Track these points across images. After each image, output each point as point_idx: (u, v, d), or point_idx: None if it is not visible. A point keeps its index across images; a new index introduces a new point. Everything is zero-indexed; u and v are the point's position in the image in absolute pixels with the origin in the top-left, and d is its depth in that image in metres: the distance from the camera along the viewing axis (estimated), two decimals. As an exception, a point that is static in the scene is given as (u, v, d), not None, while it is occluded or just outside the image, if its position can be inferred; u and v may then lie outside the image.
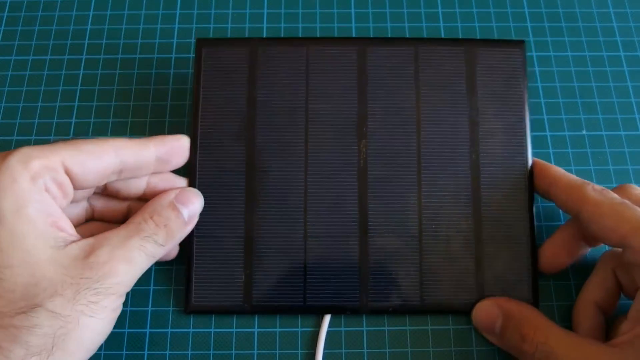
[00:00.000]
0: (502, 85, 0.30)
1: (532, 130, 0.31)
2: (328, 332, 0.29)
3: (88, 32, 0.36)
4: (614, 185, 0.32)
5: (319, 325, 0.29)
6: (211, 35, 0.35)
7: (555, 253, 0.28)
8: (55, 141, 0.32)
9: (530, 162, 0.30)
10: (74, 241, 0.23)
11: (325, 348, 0.28)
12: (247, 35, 0.35)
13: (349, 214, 0.29)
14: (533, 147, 0.33)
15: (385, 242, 0.29)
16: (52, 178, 0.23)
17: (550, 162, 0.32)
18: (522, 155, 0.30)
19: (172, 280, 0.30)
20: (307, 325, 0.29)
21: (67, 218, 0.24)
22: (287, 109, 0.30)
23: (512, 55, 0.31)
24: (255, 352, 0.28)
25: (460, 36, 0.36)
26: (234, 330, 0.29)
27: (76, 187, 0.25)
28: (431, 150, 0.30)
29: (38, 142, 0.32)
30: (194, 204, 0.27)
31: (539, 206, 0.31)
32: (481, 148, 0.30)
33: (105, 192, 0.28)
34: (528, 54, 0.35)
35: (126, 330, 0.29)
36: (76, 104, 0.34)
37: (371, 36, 0.36)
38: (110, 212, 0.28)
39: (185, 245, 0.29)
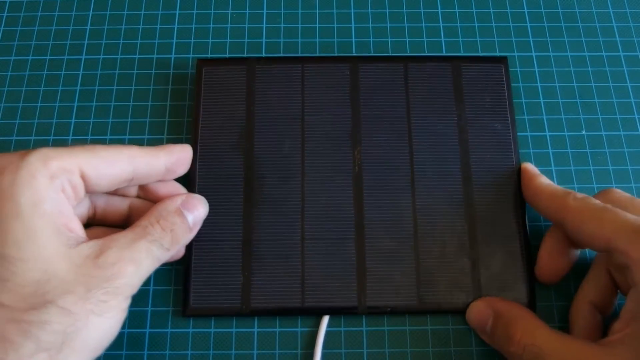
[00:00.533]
0: (488, 97, 0.32)
1: (519, 140, 0.33)
2: (328, 332, 0.29)
3: (88, 32, 0.36)
4: (614, 185, 0.32)
5: (318, 326, 0.29)
6: (211, 36, 0.35)
7: (551, 261, 0.28)
8: (73, 144, 0.32)
9: (519, 164, 0.31)
10: (84, 241, 0.24)
11: (325, 348, 0.29)
12: (246, 36, 0.36)
13: (345, 217, 0.30)
14: (533, 147, 0.33)
15: (381, 244, 0.29)
16: (68, 179, 0.24)
17: (550, 163, 0.32)
18: (510, 159, 0.31)
19: (172, 281, 0.30)
20: (306, 325, 0.29)
21: (78, 220, 0.24)
22: (283, 120, 0.31)
23: (496, 70, 0.33)
24: (255, 352, 0.28)
25: (460, 36, 0.36)
26: (234, 330, 0.29)
27: (88, 191, 0.25)
28: (423, 155, 0.31)
29: (38, 142, 0.33)
30: (199, 210, 0.28)
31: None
32: (471, 153, 0.31)
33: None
34: (528, 54, 0.35)
35: (126, 330, 0.29)
36: (76, 104, 0.34)
37: (366, 37, 0.36)
38: (112, 210, 0.28)
39: (184, 248, 0.29)
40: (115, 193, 0.28)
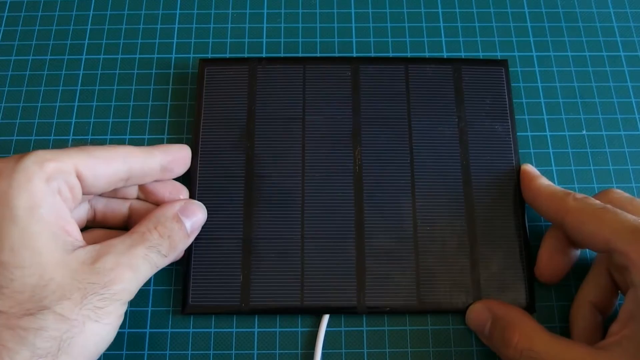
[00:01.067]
0: (488, 100, 0.32)
1: (519, 140, 0.33)
2: (328, 332, 0.29)
3: (88, 32, 0.36)
4: (614, 185, 0.32)
5: (318, 325, 0.29)
6: (211, 36, 0.35)
7: (551, 261, 0.28)
8: (73, 143, 0.32)
9: (519, 165, 0.31)
10: (81, 246, 0.23)
11: (325, 348, 0.29)
12: (247, 36, 0.36)
13: (345, 216, 0.30)
14: (533, 147, 0.33)
15: (381, 243, 0.29)
16: (64, 181, 0.23)
17: (550, 162, 0.32)
18: (510, 161, 0.31)
19: (172, 281, 0.30)
20: (307, 325, 0.29)
21: (75, 223, 0.24)
22: (284, 119, 0.32)
23: (497, 73, 0.33)
24: (255, 352, 0.28)
25: (461, 36, 0.36)
26: (234, 330, 0.29)
27: (85, 192, 0.25)
28: (423, 156, 0.31)
29: (38, 142, 0.33)
30: (197, 216, 0.28)
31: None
32: (471, 154, 0.31)
33: (105, 193, 0.28)
34: (528, 54, 0.35)
35: (126, 330, 0.29)
36: (76, 104, 0.34)
37: (365, 39, 0.36)
38: (111, 213, 0.28)
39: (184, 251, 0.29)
40: (114, 195, 0.28)
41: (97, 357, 0.23)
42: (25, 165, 0.22)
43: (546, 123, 0.34)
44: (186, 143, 0.32)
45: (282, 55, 0.35)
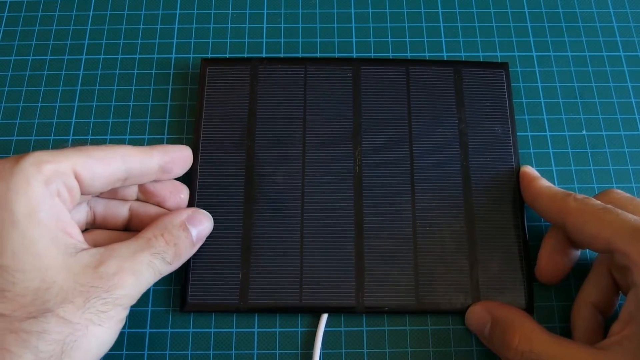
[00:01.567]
0: (488, 102, 0.32)
1: (518, 142, 0.33)
2: (328, 332, 0.29)
3: (88, 32, 0.36)
4: (614, 185, 0.32)
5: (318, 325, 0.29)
6: (211, 36, 0.35)
7: (551, 262, 0.28)
8: (73, 144, 0.32)
9: (519, 167, 0.31)
10: (84, 249, 0.23)
11: (324, 348, 0.29)
12: (247, 36, 0.36)
13: (344, 216, 0.30)
14: (533, 147, 0.33)
15: (380, 243, 0.29)
16: (63, 183, 0.23)
17: (550, 162, 0.32)
18: (510, 162, 0.31)
19: (172, 280, 0.30)
20: (306, 325, 0.29)
21: (76, 225, 0.24)
22: (285, 119, 0.32)
23: (497, 75, 0.33)
24: (255, 352, 0.28)
25: (461, 36, 0.36)
26: (234, 330, 0.29)
27: (83, 192, 0.25)
28: (423, 157, 0.31)
29: (38, 142, 0.33)
30: (204, 225, 0.28)
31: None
32: (471, 155, 0.31)
33: (103, 193, 0.28)
34: (528, 54, 0.35)
35: (126, 330, 0.29)
36: (76, 104, 0.34)
37: (366, 39, 0.36)
38: (111, 215, 0.28)
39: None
40: (114, 196, 0.28)
41: None
42: (23, 167, 0.22)
43: (546, 123, 0.34)
44: (186, 143, 0.32)
45: (282, 55, 0.35)
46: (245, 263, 0.29)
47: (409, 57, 0.35)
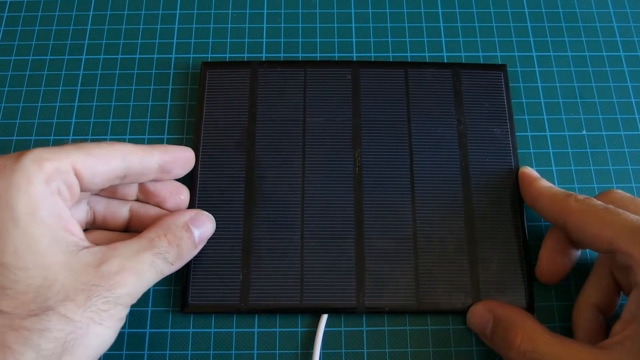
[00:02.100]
0: (487, 103, 0.32)
1: (518, 142, 0.33)
2: (328, 332, 0.29)
3: (88, 32, 0.36)
4: (614, 185, 0.32)
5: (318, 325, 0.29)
6: (211, 36, 0.35)
7: (552, 262, 0.28)
8: (72, 141, 0.32)
9: (518, 168, 0.31)
10: (85, 247, 0.23)
11: (324, 348, 0.29)
12: (247, 36, 0.36)
13: (344, 217, 0.30)
14: (533, 147, 0.33)
15: (380, 244, 0.29)
16: (63, 180, 0.23)
17: (550, 162, 0.32)
18: (510, 163, 0.31)
19: (172, 281, 0.30)
20: (306, 325, 0.29)
21: (77, 222, 0.24)
22: (285, 122, 0.32)
23: (496, 77, 0.33)
24: (255, 352, 0.28)
25: (461, 36, 0.36)
26: (234, 330, 0.29)
27: (82, 189, 0.25)
28: (422, 157, 0.31)
29: (38, 142, 0.33)
30: (206, 227, 0.28)
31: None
32: (470, 156, 0.31)
33: (103, 192, 0.28)
34: (528, 54, 0.35)
35: (126, 330, 0.29)
36: (76, 104, 0.34)
37: (365, 40, 0.36)
38: (111, 215, 0.28)
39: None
40: (113, 195, 0.28)
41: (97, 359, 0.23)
42: (24, 164, 0.22)
43: (546, 123, 0.34)
44: (186, 143, 0.32)
45: (282, 57, 0.35)
46: (246, 264, 0.29)
47: (408, 57, 0.35)
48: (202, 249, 0.29)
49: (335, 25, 0.36)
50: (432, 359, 0.28)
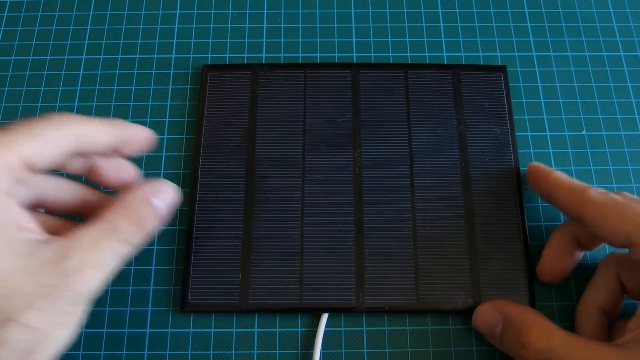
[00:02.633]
0: (487, 104, 0.33)
1: (518, 142, 0.33)
2: (328, 332, 0.29)
3: (88, 32, 0.36)
4: (614, 185, 0.32)
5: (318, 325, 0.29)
6: (211, 36, 0.35)
7: (555, 261, 0.28)
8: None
9: (518, 167, 0.31)
10: (44, 242, 0.22)
11: (324, 348, 0.29)
12: (247, 36, 0.36)
13: (344, 216, 0.30)
14: (533, 147, 0.33)
15: (380, 243, 0.29)
16: (11, 176, 0.22)
17: (550, 162, 0.32)
18: (510, 162, 0.31)
19: (172, 281, 0.30)
20: (306, 325, 0.29)
21: (28, 214, 0.22)
22: (285, 122, 0.32)
23: (495, 78, 0.33)
24: (255, 352, 0.28)
25: (461, 36, 0.36)
26: (234, 330, 0.29)
27: (30, 171, 0.23)
28: (422, 157, 0.31)
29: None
30: (169, 196, 0.26)
31: (538, 207, 0.31)
32: (470, 156, 0.31)
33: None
34: (528, 54, 0.35)
35: (126, 330, 0.29)
36: (76, 104, 0.34)
37: (364, 39, 0.36)
38: (57, 195, 0.26)
39: (184, 245, 0.29)
40: (60, 172, 0.27)
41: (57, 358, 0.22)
42: None
43: (546, 123, 0.34)
44: (187, 143, 0.33)
45: (282, 57, 0.35)
46: (246, 263, 0.29)
47: (408, 57, 0.35)
48: (202, 248, 0.29)
49: (335, 25, 0.36)
50: (432, 359, 0.28)
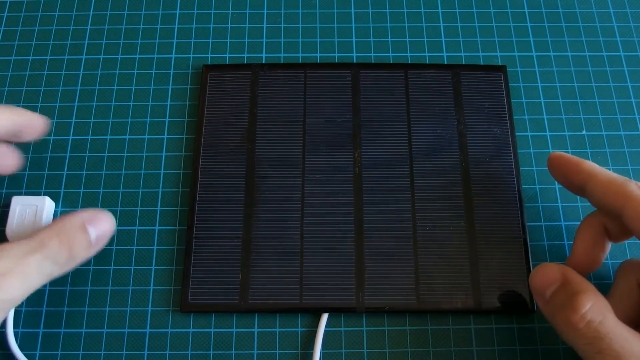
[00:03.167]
0: (487, 104, 0.33)
1: (518, 142, 0.33)
2: (328, 332, 0.29)
3: (88, 32, 0.36)
4: (614, 185, 0.32)
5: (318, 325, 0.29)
6: (211, 36, 0.36)
7: (589, 253, 0.26)
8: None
9: (518, 167, 0.31)
10: None
11: (325, 348, 0.29)
12: (247, 36, 0.36)
13: (344, 216, 0.30)
14: (533, 147, 0.33)
15: (380, 243, 0.29)
16: None
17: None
18: (510, 162, 0.31)
19: (172, 281, 0.30)
20: (306, 325, 0.29)
21: None
22: (285, 122, 0.32)
23: (495, 78, 0.33)
24: (255, 352, 0.28)
25: (461, 36, 0.36)
26: (234, 330, 0.29)
27: None
28: (422, 157, 0.31)
29: (38, 142, 0.33)
30: (104, 227, 0.26)
31: (538, 206, 0.31)
32: (470, 156, 0.31)
33: None
34: (528, 54, 0.35)
35: (126, 330, 0.29)
36: (76, 104, 0.34)
37: (364, 37, 0.36)
38: None
39: (184, 245, 0.29)
40: None
41: None
42: None
43: (546, 123, 0.34)
44: (187, 143, 0.33)
45: (282, 57, 0.35)
46: (246, 263, 0.29)
47: (408, 57, 0.35)
48: (202, 248, 0.29)
49: (335, 25, 0.36)
50: (432, 359, 0.28)
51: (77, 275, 0.30)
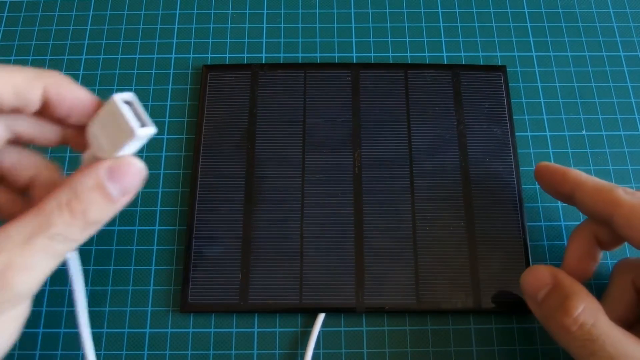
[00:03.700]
0: (487, 104, 0.33)
1: (518, 142, 0.33)
2: (328, 332, 0.29)
3: (88, 32, 0.36)
4: (614, 185, 0.32)
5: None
6: (211, 36, 0.36)
7: (580, 263, 0.26)
8: None
9: (518, 167, 0.31)
10: None
11: (325, 348, 0.29)
12: (246, 36, 0.36)
13: (344, 216, 0.30)
14: (533, 147, 0.33)
15: (380, 243, 0.29)
16: None
17: (551, 162, 0.32)
18: (510, 162, 0.31)
19: (172, 281, 0.30)
20: (307, 325, 0.29)
21: None
22: (285, 122, 0.32)
23: (495, 78, 0.33)
24: (255, 352, 0.28)
25: (461, 36, 0.36)
26: (234, 330, 0.29)
27: None
28: (422, 157, 0.31)
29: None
30: (130, 177, 0.21)
31: (538, 207, 0.31)
32: (470, 156, 0.31)
33: None
34: (528, 54, 0.35)
35: (126, 330, 0.29)
36: (76, 104, 0.34)
37: (365, 33, 0.36)
38: None
39: (184, 245, 0.29)
40: None
41: (3, 357, 0.21)
42: None
43: (546, 123, 0.34)
44: (187, 143, 0.33)
45: (282, 57, 0.35)
46: (246, 263, 0.29)
47: (408, 57, 0.35)
48: (202, 248, 0.29)
49: (335, 25, 0.36)
50: (432, 359, 0.28)
51: (77, 275, 0.30)
